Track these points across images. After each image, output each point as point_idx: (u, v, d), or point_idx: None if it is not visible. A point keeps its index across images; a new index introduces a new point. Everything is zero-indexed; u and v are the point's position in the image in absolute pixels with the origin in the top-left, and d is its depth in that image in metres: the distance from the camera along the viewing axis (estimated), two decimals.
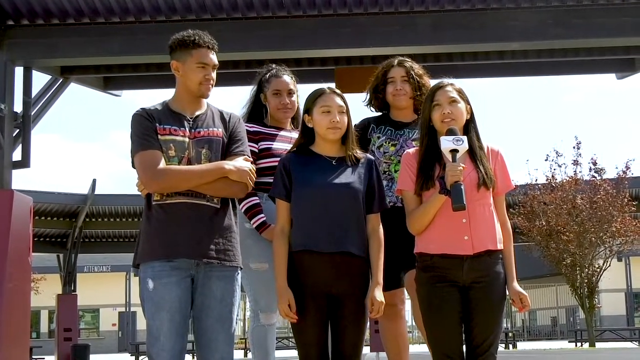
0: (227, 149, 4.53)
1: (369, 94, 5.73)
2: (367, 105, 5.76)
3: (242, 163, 4.47)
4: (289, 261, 4.54)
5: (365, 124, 5.61)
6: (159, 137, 4.42)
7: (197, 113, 4.55)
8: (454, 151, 4.41)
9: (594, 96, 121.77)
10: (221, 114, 4.63)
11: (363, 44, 16.33)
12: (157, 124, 4.45)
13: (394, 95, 5.56)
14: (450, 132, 4.47)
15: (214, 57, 4.53)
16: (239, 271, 4.53)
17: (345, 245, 4.48)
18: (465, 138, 4.46)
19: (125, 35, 16.22)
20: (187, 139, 4.46)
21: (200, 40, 4.49)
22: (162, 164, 4.35)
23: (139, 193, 4.60)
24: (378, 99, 5.67)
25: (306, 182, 4.50)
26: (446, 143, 4.43)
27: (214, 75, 4.55)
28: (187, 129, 4.48)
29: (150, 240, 4.43)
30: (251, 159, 4.58)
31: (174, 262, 4.35)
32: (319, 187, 4.50)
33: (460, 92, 4.61)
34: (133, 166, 4.46)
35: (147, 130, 4.43)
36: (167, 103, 4.60)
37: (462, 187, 4.31)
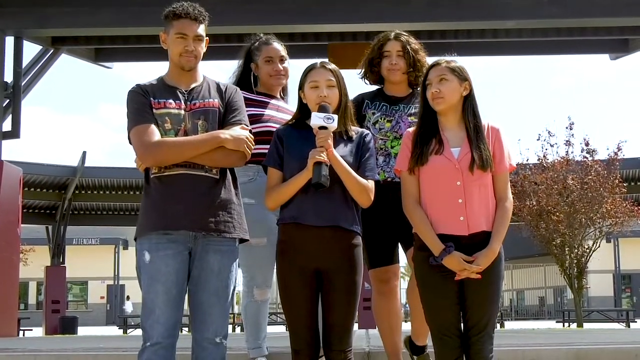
0: (224, 119, 4.48)
1: (364, 67, 5.67)
2: (362, 78, 5.70)
3: (238, 132, 4.43)
4: (279, 234, 4.53)
5: (360, 100, 5.53)
6: (154, 111, 4.39)
7: (193, 85, 4.52)
8: (322, 128, 4.42)
9: (587, 77, 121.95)
10: (218, 85, 4.60)
11: (356, 20, 16.28)
12: (152, 99, 4.42)
13: (388, 70, 5.50)
14: (323, 108, 4.49)
15: (196, 29, 4.45)
16: (237, 244, 4.49)
17: (335, 219, 4.45)
18: (336, 117, 4.47)
19: (117, 6, 16.10)
20: (182, 112, 4.42)
21: (182, 12, 4.43)
22: (157, 137, 4.30)
23: (129, 166, 4.58)
24: (374, 72, 5.61)
25: (297, 154, 4.46)
26: (316, 119, 4.45)
27: (199, 47, 4.47)
28: (182, 102, 4.44)
29: (149, 213, 4.40)
30: (249, 128, 4.52)
31: (171, 234, 4.32)
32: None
33: (453, 70, 4.58)
34: (130, 142, 4.40)
35: (141, 105, 4.39)
36: (162, 78, 4.57)
37: (324, 166, 4.34)
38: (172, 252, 4.31)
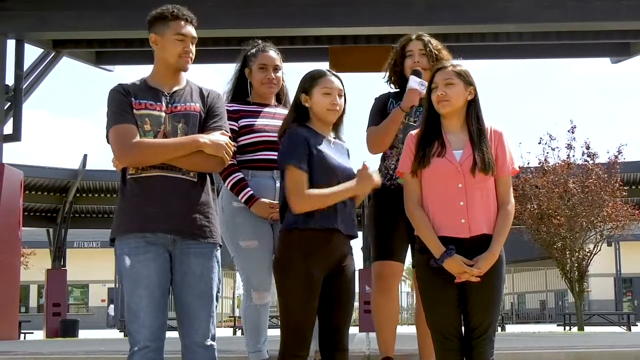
0: (205, 124, 4.48)
1: (388, 70, 5.73)
2: (387, 82, 5.76)
3: (218, 137, 4.42)
4: (298, 238, 4.46)
5: (385, 98, 5.63)
6: (135, 111, 4.37)
7: (175, 88, 4.50)
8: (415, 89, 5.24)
9: (588, 80, 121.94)
10: (200, 90, 4.59)
11: (357, 23, 16.26)
12: (133, 99, 4.40)
13: (412, 69, 5.53)
14: (417, 73, 5.32)
15: (192, 30, 4.48)
16: (218, 248, 4.49)
17: (353, 227, 4.60)
18: (426, 84, 4.96)
19: (119, 9, 16.11)
20: (163, 114, 4.41)
21: (179, 13, 4.45)
22: (136, 138, 4.30)
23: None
24: (396, 73, 5.65)
25: (324, 159, 4.49)
26: (413, 83, 5.27)
27: (193, 49, 4.50)
28: (163, 104, 4.43)
29: (125, 214, 4.39)
30: (229, 134, 4.52)
31: (149, 237, 4.31)
32: (333, 167, 4.53)
33: (459, 74, 4.59)
34: (108, 142, 4.40)
35: (122, 105, 4.38)
36: (145, 79, 4.55)
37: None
38: (152, 255, 4.30)
